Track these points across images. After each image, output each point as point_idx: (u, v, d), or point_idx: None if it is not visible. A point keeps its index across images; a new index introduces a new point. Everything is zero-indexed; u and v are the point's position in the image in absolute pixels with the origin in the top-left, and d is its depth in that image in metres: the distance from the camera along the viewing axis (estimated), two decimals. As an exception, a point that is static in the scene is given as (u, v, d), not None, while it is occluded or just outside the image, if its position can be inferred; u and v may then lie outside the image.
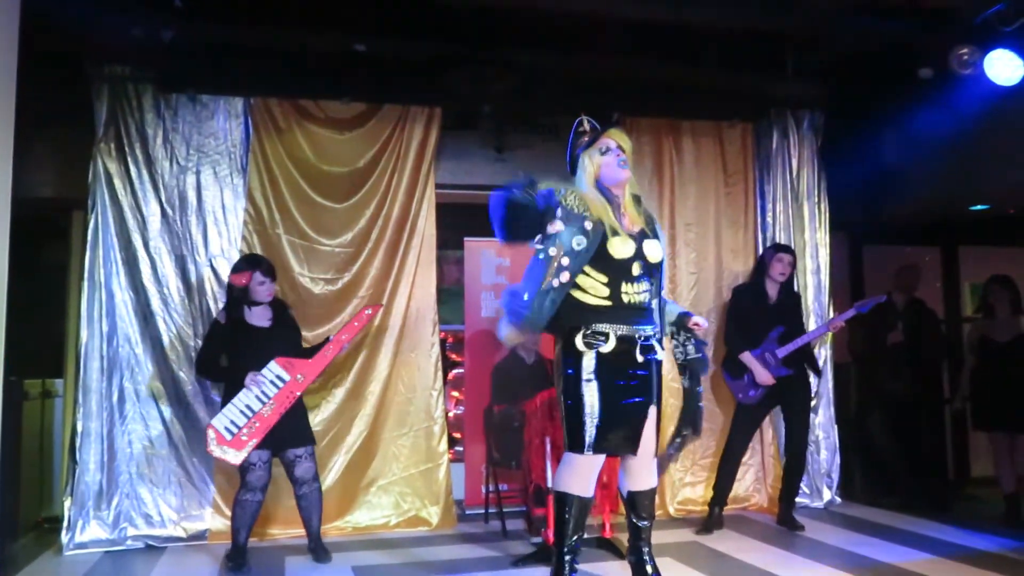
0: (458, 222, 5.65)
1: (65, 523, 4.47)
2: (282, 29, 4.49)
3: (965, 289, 6.96)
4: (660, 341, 3.25)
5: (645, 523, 3.31)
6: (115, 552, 4.47)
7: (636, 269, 3.11)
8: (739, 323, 4.94)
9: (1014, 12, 4.26)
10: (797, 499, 5.13)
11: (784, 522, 4.87)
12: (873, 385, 5.80)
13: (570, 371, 3.09)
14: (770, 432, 5.39)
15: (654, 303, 3.24)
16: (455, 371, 6.26)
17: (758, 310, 4.89)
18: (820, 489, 5.44)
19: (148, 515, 4.60)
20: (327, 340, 4.32)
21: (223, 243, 4.85)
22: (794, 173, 5.64)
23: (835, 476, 5.50)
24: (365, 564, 4.18)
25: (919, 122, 5.34)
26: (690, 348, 3.38)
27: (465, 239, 5.63)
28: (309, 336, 4.87)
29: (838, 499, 5.49)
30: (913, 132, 5.44)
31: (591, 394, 3.05)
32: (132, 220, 4.72)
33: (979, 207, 5.83)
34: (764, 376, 4.77)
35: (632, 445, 3.12)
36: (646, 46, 4.88)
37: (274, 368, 4.08)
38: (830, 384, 5.55)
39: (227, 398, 4.07)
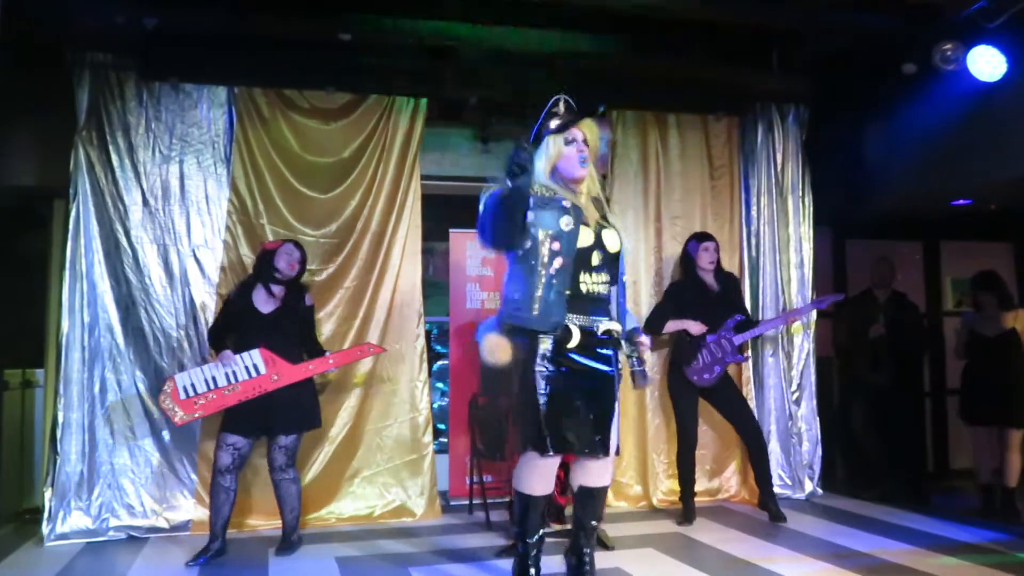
0: (443, 213, 5.64)
1: (46, 514, 4.44)
2: (266, 18, 4.46)
3: (947, 284, 7.02)
4: (620, 334, 3.16)
5: (593, 522, 3.18)
6: (97, 543, 4.44)
7: (596, 259, 3.05)
8: (670, 314, 4.93)
9: (997, 8, 4.29)
10: (778, 490, 5.18)
11: (765, 508, 4.90)
12: (855, 378, 5.85)
13: (526, 364, 2.97)
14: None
15: (614, 294, 3.18)
16: (440, 362, 6.26)
17: (702, 303, 4.91)
18: (802, 480, 5.48)
19: (130, 506, 4.59)
20: (323, 352, 4.35)
21: (206, 233, 4.82)
22: (779, 167, 5.66)
23: (816, 468, 5.55)
24: (349, 555, 4.18)
25: (903, 117, 5.38)
26: (634, 361, 3.29)
27: (450, 230, 5.62)
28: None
29: (819, 491, 5.54)
30: (897, 127, 5.48)
31: (547, 389, 2.94)
32: (114, 210, 4.68)
33: (961, 202, 5.88)
34: (696, 327, 4.83)
35: (600, 446, 2.99)
36: (633, 38, 4.88)
37: (254, 356, 4.08)
38: (812, 377, 5.59)
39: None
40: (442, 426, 5.90)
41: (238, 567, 4.00)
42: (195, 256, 4.78)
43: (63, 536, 4.43)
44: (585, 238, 3.02)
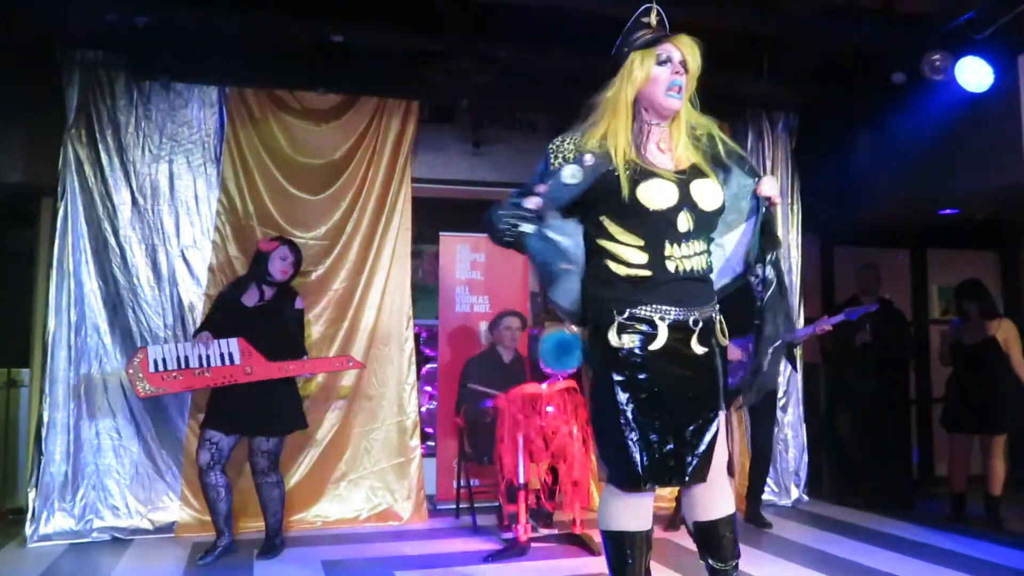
0: (434, 216, 5.63)
1: (30, 514, 4.41)
2: (259, 18, 4.45)
3: (933, 292, 7.07)
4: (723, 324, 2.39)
5: (730, 563, 2.38)
6: (80, 544, 4.41)
7: (683, 222, 2.24)
8: None
9: (984, 20, 4.34)
10: (765, 497, 5.20)
11: (752, 519, 4.92)
12: (842, 385, 5.88)
13: (602, 373, 2.26)
14: (739, 430, 5.44)
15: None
16: (428, 366, 6.25)
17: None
18: (788, 487, 5.51)
19: (115, 507, 4.55)
20: (303, 355, 4.32)
21: (195, 233, 4.80)
22: (768, 174, 5.68)
23: (803, 474, 5.57)
24: (335, 558, 4.16)
25: (891, 126, 5.41)
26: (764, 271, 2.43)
27: (441, 233, 5.62)
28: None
29: (805, 497, 5.57)
30: (885, 136, 5.51)
31: (631, 403, 2.20)
32: (102, 208, 4.65)
33: (948, 211, 5.92)
34: (734, 352, 4.83)
35: (702, 471, 2.27)
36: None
37: (231, 344, 4.06)
38: (799, 383, 5.61)
39: None
40: (430, 430, 5.89)
41: (223, 570, 3.98)
42: (183, 256, 4.76)
43: (46, 537, 4.39)
44: (662, 195, 2.22)
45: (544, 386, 4.36)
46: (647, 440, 2.19)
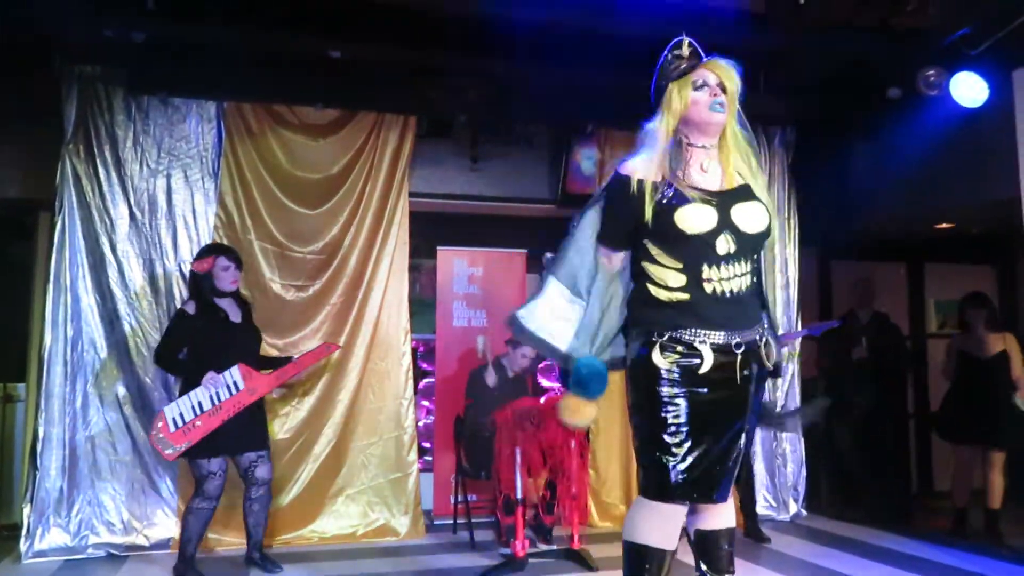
0: (431, 231, 5.64)
1: (24, 530, 4.38)
2: (257, 33, 4.46)
3: (930, 305, 7.08)
4: (771, 344, 2.38)
5: None
6: (76, 560, 4.38)
7: (723, 245, 2.27)
8: None
9: (979, 36, 4.37)
10: (763, 511, 5.18)
11: (750, 534, 4.90)
12: (839, 399, 5.87)
13: (643, 391, 2.30)
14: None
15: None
16: (425, 380, 6.23)
17: None
18: (786, 502, 5.49)
19: (110, 522, 4.53)
20: (288, 359, 4.34)
21: (193, 248, 4.79)
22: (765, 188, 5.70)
23: (801, 489, 5.56)
24: (332, 574, 4.14)
25: (887, 140, 5.44)
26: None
27: (438, 248, 5.62)
28: (280, 343, 4.84)
29: (804, 512, 5.55)
30: (881, 150, 5.54)
31: (676, 421, 2.25)
32: (100, 223, 4.65)
33: (944, 225, 5.94)
34: None
35: (726, 490, 2.36)
36: (621, 59, 4.91)
37: (234, 373, 4.03)
38: (797, 398, 5.61)
39: (185, 390, 4.02)
40: (427, 444, 5.87)
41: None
42: (181, 271, 4.75)
43: (41, 553, 4.36)
44: (700, 219, 2.25)
45: (542, 400, 4.36)
46: (684, 455, 2.24)
